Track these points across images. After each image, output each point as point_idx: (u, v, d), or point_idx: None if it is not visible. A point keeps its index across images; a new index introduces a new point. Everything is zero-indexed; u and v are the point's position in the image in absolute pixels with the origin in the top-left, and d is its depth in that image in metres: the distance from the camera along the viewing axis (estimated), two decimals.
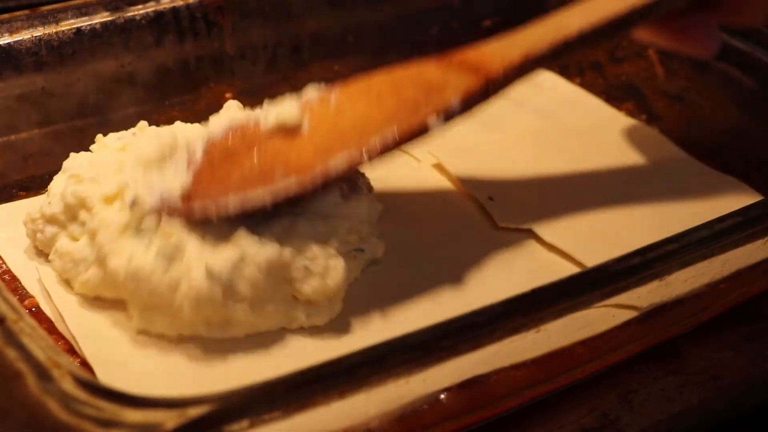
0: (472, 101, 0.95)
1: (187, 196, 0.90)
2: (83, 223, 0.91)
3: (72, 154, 0.97)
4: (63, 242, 0.91)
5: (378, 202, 0.97)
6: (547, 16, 1.01)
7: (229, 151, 0.94)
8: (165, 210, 0.89)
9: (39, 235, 0.93)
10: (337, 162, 0.90)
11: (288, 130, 0.94)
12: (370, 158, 0.90)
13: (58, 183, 0.95)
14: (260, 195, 0.88)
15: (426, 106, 0.93)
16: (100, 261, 0.87)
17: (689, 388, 0.91)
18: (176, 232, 0.87)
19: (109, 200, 0.91)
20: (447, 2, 1.30)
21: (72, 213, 0.92)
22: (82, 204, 0.91)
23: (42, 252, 0.94)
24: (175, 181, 0.91)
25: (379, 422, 0.76)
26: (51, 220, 0.92)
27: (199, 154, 0.94)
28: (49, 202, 0.93)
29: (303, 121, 0.95)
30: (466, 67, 0.97)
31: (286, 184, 0.89)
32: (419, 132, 0.92)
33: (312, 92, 0.98)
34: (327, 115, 0.96)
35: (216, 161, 0.94)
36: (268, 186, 0.89)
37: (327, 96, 0.97)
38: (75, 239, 0.91)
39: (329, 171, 0.89)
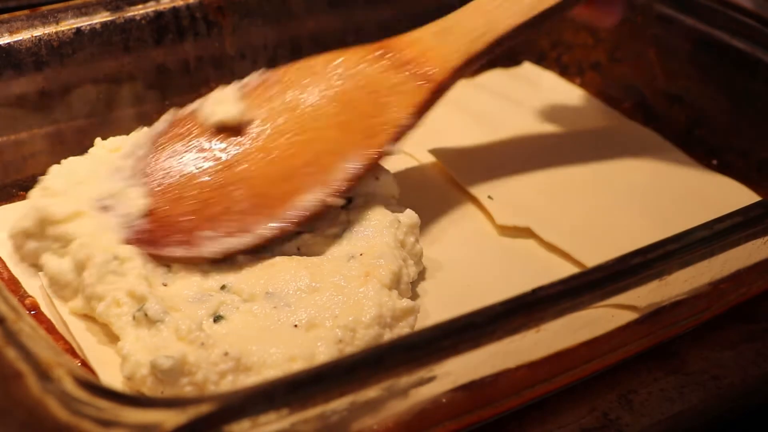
0: (420, 113, 0.98)
1: (152, 218, 0.91)
2: (57, 238, 0.92)
3: (53, 167, 0.98)
4: (49, 262, 0.91)
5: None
6: (475, 4, 1.03)
7: (177, 154, 0.95)
8: (135, 241, 0.89)
9: (22, 252, 0.94)
10: (307, 204, 0.92)
11: (232, 127, 0.96)
12: (336, 196, 0.93)
13: (33, 196, 0.96)
14: (238, 243, 0.90)
15: (380, 125, 0.96)
16: (86, 300, 0.88)
17: (689, 388, 0.91)
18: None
19: (78, 216, 0.92)
20: (447, 2, 1.29)
21: (42, 227, 0.92)
22: (50, 219, 0.92)
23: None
24: (131, 197, 0.92)
25: (380, 422, 0.76)
26: (27, 234, 0.93)
27: (146, 160, 0.95)
28: (23, 217, 0.94)
29: (245, 116, 0.96)
30: (409, 70, 0.99)
31: (263, 232, 0.91)
32: (378, 159, 0.96)
33: (252, 79, 0.99)
34: (272, 114, 0.97)
35: (165, 167, 0.94)
36: (238, 221, 0.91)
37: (267, 84, 0.99)
38: (56, 255, 0.92)
39: (300, 215, 0.92)
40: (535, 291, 0.77)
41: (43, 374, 0.68)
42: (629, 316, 0.87)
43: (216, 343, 0.81)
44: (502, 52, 1.30)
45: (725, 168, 1.15)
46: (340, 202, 0.94)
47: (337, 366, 0.70)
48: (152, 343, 0.81)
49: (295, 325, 0.85)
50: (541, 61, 1.34)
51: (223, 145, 0.96)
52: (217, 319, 0.86)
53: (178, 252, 0.89)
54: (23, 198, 1.02)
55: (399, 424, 0.77)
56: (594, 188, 1.10)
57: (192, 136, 0.96)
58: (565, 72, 1.33)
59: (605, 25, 1.18)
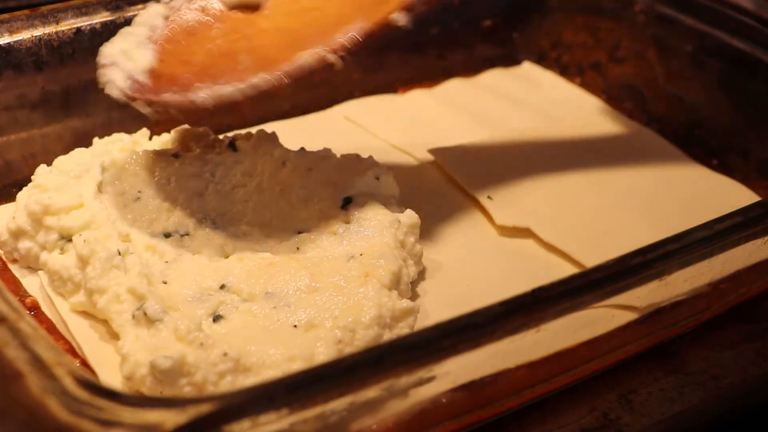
0: None
1: (155, 75, 0.91)
2: (49, 228, 0.92)
3: (40, 166, 0.99)
4: (50, 259, 0.92)
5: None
6: None
7: (191, 27, 0.95)
8: (133, 89, 0.90)
9: (16, 254, 0.95)
10: (305, 59, 0.90)
11: (248, 6, 0.96)
12: (337, 54, 0.91)
13: (23, 197, 0.97)
14: (230, 90, 0.89)
15: None
16: (88, 294, 0.88)
17: (689, 388, 0.91)
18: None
19: (75, 209, 0.93)
20: (447, 2, 1.29)
21: (37, 220, 0.93)
22: (46, 211, 0.93)
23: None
24: (139, 57, 0.93)
25: (380, 422, 0.76)
26: (18, 233, 0.94)
27: (160, 29, 0.95)
28: (14, 218, 0.95)
29: None
30: None
31: (256, 81, 0.89)
32: (385, 27, 0.93)
33: None
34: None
35: (178, 37, 0.95)
36: (237, 78, 0.90)
37: None
38: (57, 250, 0.92)
39: (297, 68, 0.90)
40: (535, 291, 0.77)
41: (44, 374, 0.68)
42: (629, 316, 0.87)
43: (215, 343, 0.81)
44: (501, 52, 1.31)
45: (725, 168, 1.15)
46: (338, 62, 0.91)
47: (337, 366, 0.70)
48: (151, 343, 0.81)
49: (295, 326, 0.85)
50: (541, 61, 1.34)
51: (235, 20, 0.96)
52: (217, 318, 0.86)
53: (171, 97, 0.89)
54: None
55: (399, 424, 0.77)
56: (594, 188, 1.10)
57: (205, 11, 0.96)
58: (565, 72, 1.33)
59: None
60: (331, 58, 0.91)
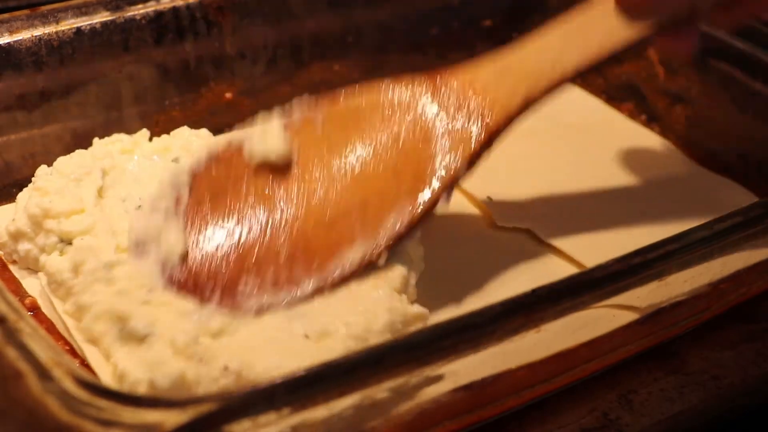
0: (475, 162, 0.91)
1: (188, 262, 0.87)
2: (50, 231, 0.92)
3: (41, 167, 0.99)
4: (48, 261, 0.91)
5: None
6: (545, 36, 0.95)
7: (217, 192, 0.90)
8: (167, 279, 0.86)
9: (15, 256, 0.95)
10: (351, 263, 0.86)
11: (276, 164, 0.91)
12: (382, 255, 0.87)
13: (23, 198, 0.97)
14: (279, 300, 0.85)
15: (431, 171, 0.89)
16: (77, 307, 0.87)
17: (689, 388, 0.91)
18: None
19: (76, 213, 0.92)
20: (447, 2, 1.29)
21: (37, 223, 0.93)
22: (47, 214, 0.92)
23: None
24: (168, 231, 0.88)
25: (380, 422, 0.76)
26: (18, 235, 0.93)
27: (185, 197, 0.90)
28: (14, 219, 0.94)
29: (291, 153, 0.91)
30: (466, 117, 0.91)
31: (303, 293, 0.85)
32: (427, 214, 0.89)
33: (296, 112, 0.94)
34: (318, 152, 0.91)
35: (205, 206, 0.90)
36: (279, 275, 0.85)
37: (311, 117, 0.93)
38: (57, 252, 0.92)
39: (341, 276, 0.86)
40: (535, 291, 0.77)
41: (43, 374, 0.68)
42: (629, 316, 0.87)
43: (215, 356, 0.79)
44: None
45: (725, 168, 1.15)
46: (382, 262, 0.87)
47: (337, 366, 0.70)
48: (147, 358, 0.79)
49: (306, 336, 0.82)
50: None
51: (267, 188, 0.91)
52: (218, 333, 0.83)
53: (217, 304, 0.84)
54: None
55: (399, 424, 0.77)
56: (594, 188, 1.10)
57: (233, 175, 0.91)
58: None
59: (681, 55, 1.12)
60: (377, 259, 0.87)
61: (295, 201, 0.90)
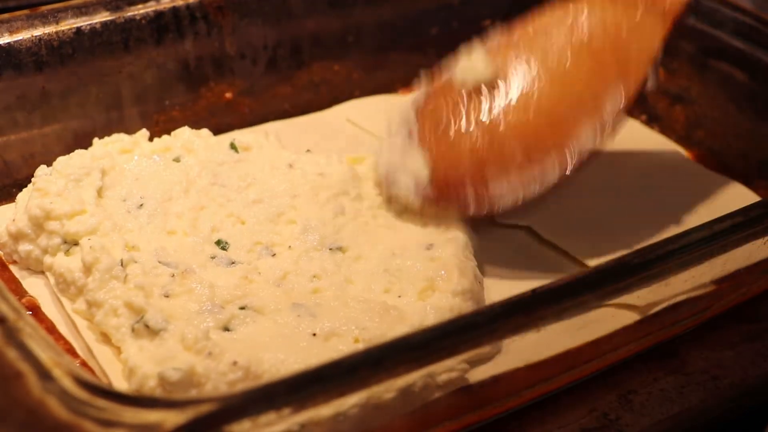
0: (664, 46, 0.97)
1: (436, 184, 0.96)
2: (52, 233, 0.92)
3: (40, 167, 0.99)
4: (56, 261, 0.91)
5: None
6: None
7: (440, 118, 0.99)
8: (422, 197, 0.96)
9: (15, 256, 0.95)
10: (584, 139, 0.94)
11: (487, 85, 0.98)
12: (611, 127, 0.94)
13: (23, 198, 0.97)
14: (530, 192, 0.94)
15: (634, 63, 0.96)
16: (88, 304, 0.87)
17: (689, 388, 0.91)
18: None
19: (78, 214, 0.92)
20: (447, 2, 1.29)
21: (39, 225, 0.93)
22: (48, 216, 0.92)
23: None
24: (413, 164, 0.97)
25: (380, 422, 0.76)
26: (18, 236, 0.93)
27: (415, 128, 1.00)
28: (14, 220, 0.94)
29: (496, 72, 0.99)
30: (646, 9, 0.98)
31: (548, 176, 0.95)
32: (639, 92, 0.96)
33: (494, 37, 1.02)
34: (518, 63, 0.99)
35: (433, 132, 0.99)
36: (514, 170, 0.94)
37: (507, 41, 1.01)
38: (53, 254, 0.92)
39: (579, 152, 0.94)
40: (535, 291, 0.77)
41: (44, 374, 0.68)
42: (629, 316, 0.87)
43: (224, 351, 0.79)
44: None
45: (725, 168, 1.15)
46: (611, 138, 0.94)
47: (337, 366, 0.70)
48: (158, 354, 0.80)
49: (314, 334, 0.83)
50: None
51: (483, 105, 0.98)
52: (227, 328, 0.84)
53: (476, 209, 0.96)
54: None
55: (400, 423, 0.77)
56: (594, 188, 1.10)
57: (452, 102, 0.99)
58: None
59: None
60: (606, 135, 0.94)
61: (510, 112, 0.97)
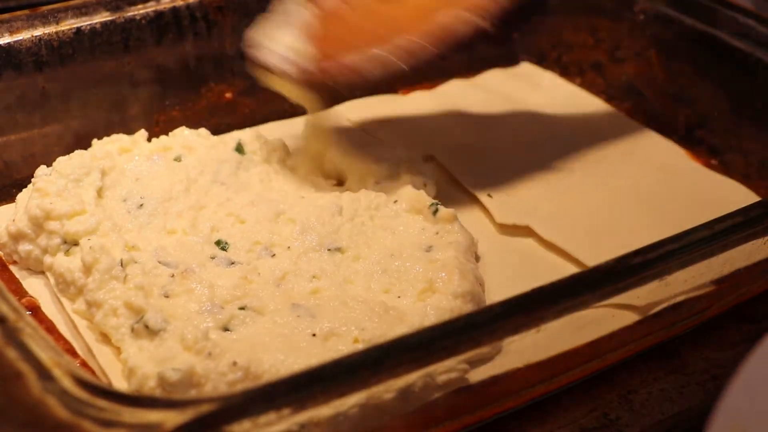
0: None
1: (321, 56, 0.93)
2: (52, 233, 0.92)
3: (40, 168, 0.99)
4: (55, 261, 0.91)
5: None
6: None
7: (334, 13, 0.97)
8: (297, 71, 0.92)
9: (15, 256, 0.95)
10: (457, 26, 0.93)
11: None
12: (487, 21, 0.92)
13: (23, 198, 0.97)
14: (393, 60, 0.92)
15: None
16: (88, 304, 0.87)
17: (689, 388, 0.91)
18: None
19: (78, 214, 0.92)
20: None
21: (39, 225, 0.93)
22: (48, 216, 0.92)
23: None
24: (290, 39, 0.96)
25: (380, 422, 0.76)
26: (18, 236, 0.93)
27: (305, 17, 0.97)
28: (14, 220, 0.94)
29: None
30: None
31: (415, 48, 0.92)
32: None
33: None
34: None
35: (324, 22, 0.97)
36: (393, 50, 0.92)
37: None
38: (53, 253, 0.92)
39: (450, 35, 0.93)
40: (535, 291, 0.77)
41: (43, 374, 0.68)
42: (629, 316, 0.87)
43: (224, 351, 0.79)
44: (501, 53, 1.30)
45: (725, 168, 1.15)
46: (493, 29, 0.93)
47: (337, 366, 0.70)
48: (158, 354, 0.80)
49: (314, 334, 0.83)
50: (541, 61, 1.34)
51: (375, 4, 0.98)
52: (227, 328, 0.84)
53: (341, 72, 0.92)
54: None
55: (400, 423, 0.77)
56: (594, 187, 1.10)
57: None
58: (565, 72, 1.33)
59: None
60: (485, 25, 0.92)
61: (403, 11, 0.96)
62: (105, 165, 0.99)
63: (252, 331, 0.84)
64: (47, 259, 0.92)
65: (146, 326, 0.82)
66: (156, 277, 0.87)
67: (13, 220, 0.94)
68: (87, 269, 0.88)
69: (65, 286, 0.90)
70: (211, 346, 0.79)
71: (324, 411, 0.70)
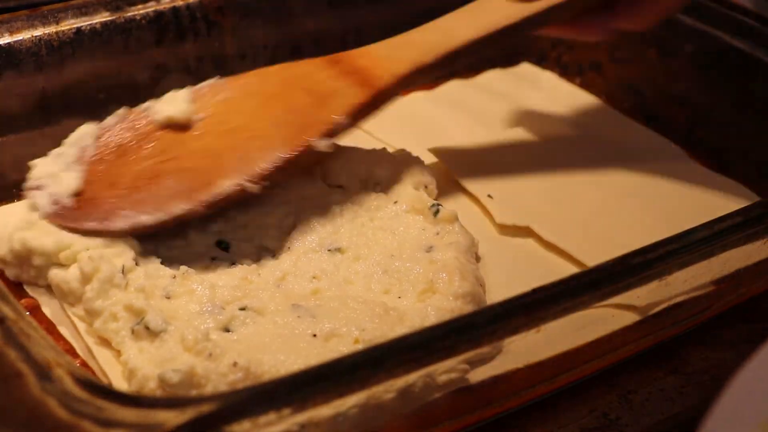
0: (358, 115, 0.98)
1: (80, 199, 0.93)
2: (38, 268, 0.90)
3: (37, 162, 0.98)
4: (52, 275, 0.90)
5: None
6: (438, 21, 1.04)
7: (121, 147, 0.97)
8: (56, 215, 0.91)
9: (7, 273, 0.93)
10: (224, 188, 0.92)
11: (179, 125, 0.98)
12: (255, 183, 0.92)
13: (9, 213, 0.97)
14: (148, 219, 0.91)
15: (313, 121, 0.96)
16: (86, 312, 0.87)
17: (689, 388, 0.91)
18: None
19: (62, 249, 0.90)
20: (447, 2, 1.29)
21: (23, 258, 0.91)
22: (31, 251, 0.90)
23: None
24: (66, 179, 0.94)
25: (380, 422, 0.76)
26: (3, 261, 0.92)
27: (90, 150, 0.97)
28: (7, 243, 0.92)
29: (193, 114, 0.98)
30: (355, 76, 0.99)
31: (175, 210, 0.91)
32: (306, 152, 0.95)
33: (206, 84, 1.01)
34: (217, 111, 0.99)
35: (108, 158, 0.96)
36: (159, 204, 0.91)
37: (219, 88, 1.00)
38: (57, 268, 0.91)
39: (214, 197, 0.92)
40: (535, 291, 0.77)
41: (44, 374, 0.68)
42: (629, 316, 0.87)
43: (224, 352, 0.79)
44: (501, 53, 1.30)
45: (725, 168, 1.15)
46: (256, 188, 0.92)
47: (337, 366, 0.70)
48: (158, 355, 0.80)
49: (314, 335, 0.83)
50: (541, 61, 1.34)
51: (165, 140, 0.97)
52: (227, 328, 0.84)
53: (90, 225, 0.90)
54: (23, 198, 1.01)
55: (400, 423, 0.77)
56: (594, 188, 1.10)
57: (136, 131, 0.98)
58: (565, 72, 1.33)
59: (588, 41, 1.16)
60: (251, 187, 0.92)
61: (184, 149, 0.96)
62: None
63: (252, 332, 0.84)
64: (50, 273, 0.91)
65: (147, 327, 0.82)
66: (158, 278, 0.87)
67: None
68: (86, 279, 0.87)
69: (63, 295, 0.89)
70: (211, 347, 0.79)
71: (324, 411, 0.70)
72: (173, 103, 0.99)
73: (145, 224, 0.90)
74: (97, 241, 0.90)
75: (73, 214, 0.92)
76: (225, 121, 0.98)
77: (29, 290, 0.92)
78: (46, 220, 0.91)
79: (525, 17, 1.01)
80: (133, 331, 0.83)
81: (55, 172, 0.95)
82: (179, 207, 0.91)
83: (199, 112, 0.99)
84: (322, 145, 0.95)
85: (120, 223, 0.90)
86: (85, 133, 0.98)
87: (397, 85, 1.00)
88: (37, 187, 0.94)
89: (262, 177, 0.93)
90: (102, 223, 0.90)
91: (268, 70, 1.03)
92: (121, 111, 1.00)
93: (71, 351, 0.86)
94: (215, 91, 1.00)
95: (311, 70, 1.01)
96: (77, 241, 0.90)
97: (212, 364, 0.78)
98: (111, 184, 0.94)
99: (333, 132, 0.96)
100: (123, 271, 0.87)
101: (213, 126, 0.98)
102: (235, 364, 0.78)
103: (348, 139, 1.16)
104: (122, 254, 0.89)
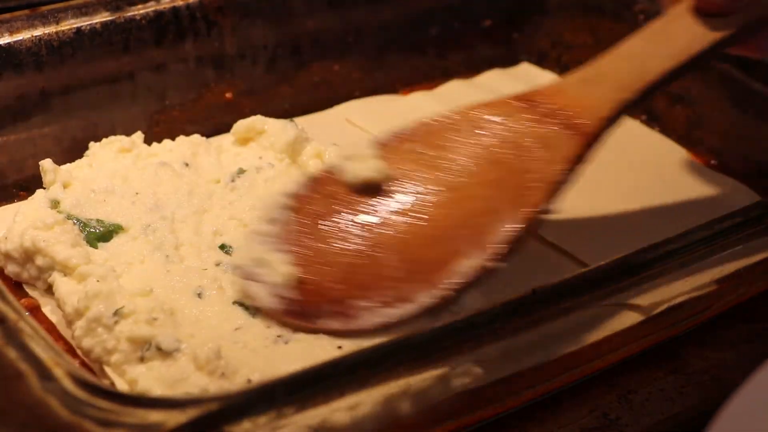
0: (575, 167, 0.90)
1: (300, 286, 0.85)
2: (40, 268, 0.90)
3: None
4: (56, 280, 0.88)
5: None
6: (624, 47, 0.96)
7: (318, 216, 0.89)
8: (284, 311, 0.84)
9: (7, 270, 0.92)
10: (465, 270, 0.84)
11: (374, 186, 0.90)
12: (497, 260, 0.85)
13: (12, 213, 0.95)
14: (398, 312, 0.82)
15: (534, 179, 0.88)
16: (90, 329, 0.83)
17: (689, 388, 0.91)
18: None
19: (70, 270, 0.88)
20: (447, 2, 1.30)
21: (28, 256, 0.90)
22: (38, 251, 0.89)
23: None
24: (277, 264, 0.86)
25: (380, 422, 0.76)
26: (8, 257, 0.91)
27: (291, 225, 0.89)
28: (6, 237, 0.91)
29: (387, 173, 0.90)
30: (557, 121, 0.91)
31: (425, 301, 0.83)
32: (535, 218, 0.87)
33: (384, 136, 0.93)
34: (411, 169, 0.91)
35: (312, 233, 0.88)
36: (389, 287, 0.84)
37: (401, 139, 0.93)
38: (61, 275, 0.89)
39: (459, 282, 0.84)
40: (535, 291, 0.77)
41: (44, 374, 0.68)
42: (629, 316, 0.87)
43: (238, 370, 0.77)
44: (501, 53, 1.30)
45: (725, 168, 1.15)
46: (502, 266, 0.85)
47: (337, 366, 0.70)
48: (169, 375, 0.77)
49: (339, 347, 0.81)
50: (541, 61, 1.34)
51: (367, 207, 0.90)
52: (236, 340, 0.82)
53: (334, 325, 0.83)
54: (23, 198, 1.02)
55: (399, 424, 0.77)
56: (594, 188, 1.10)
57: (333, 198, 0.90)
58: (565, 72, 1.32)
59: (756, 57, 1.07)
60: (492, 265, 0.84)
61: (396, 220, 0.88)
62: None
63: (260, 342, 0.82)
64: (51, 281, 0.90)
65: (159, 349, 0.79)
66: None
67: (6, 238, 0.92)
68: (78, 314, 0.84)
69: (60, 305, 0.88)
70: (224, 366, 0.77)
71: (324, 411, 0.70)
72: (363, 163, 0.91)
73: (396, 319, 0.82)
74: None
75: (303, 310, 0.84)
76: (432, 186, 0.90)
77: (29, 290, 0.92)
78: (274, 321, 0.84)
79: (720, 39, 0.93)
80: (142, 359, 0.79)
81: (262, 257, 0.87)
82: (430, 296, 0.83)
83: (392, 169, 0.91)
84: (549, 208, 0.88)
85: (368, 319, 0.82)
86: (277, 205, 0.91)
87: (604, 128, 0.91)
88: (250, 278, 0.86)
89: (502, 254, 0.85)
90: (347, 322, 0.83)
91: (453, 118, 0.93)
92: (310, 174, 0.94)
93: (71, 351, 0.86)
94: (401, 143, 0.93)
95: (505, 113, 0.93)
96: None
97: (226, 383, 0.76)
98: (324, 265, 0.86)
99: (555, 191, 0.89)
100: (116, 313, 0.82)
101: (420, 191, 0.89)
102: (249, 381, 0.76)
103: (349, 138, 1.16)
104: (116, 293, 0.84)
